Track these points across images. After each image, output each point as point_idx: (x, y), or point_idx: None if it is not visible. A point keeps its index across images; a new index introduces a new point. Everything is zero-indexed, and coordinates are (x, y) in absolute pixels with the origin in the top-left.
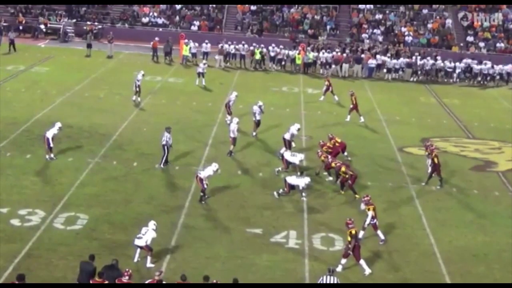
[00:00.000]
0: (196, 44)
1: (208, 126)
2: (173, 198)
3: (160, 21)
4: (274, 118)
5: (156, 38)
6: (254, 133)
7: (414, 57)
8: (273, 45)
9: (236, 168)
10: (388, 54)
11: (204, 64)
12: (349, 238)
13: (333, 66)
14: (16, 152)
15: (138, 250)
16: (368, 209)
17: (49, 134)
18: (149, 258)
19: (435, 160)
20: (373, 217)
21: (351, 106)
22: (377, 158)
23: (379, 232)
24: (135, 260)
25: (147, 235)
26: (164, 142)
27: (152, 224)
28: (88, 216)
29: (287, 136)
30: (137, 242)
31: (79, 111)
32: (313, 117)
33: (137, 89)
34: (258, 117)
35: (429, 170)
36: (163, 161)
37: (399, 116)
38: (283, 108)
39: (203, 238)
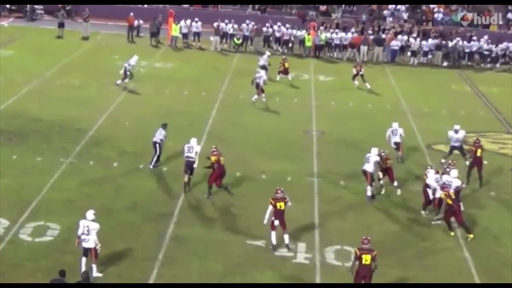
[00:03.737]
0: (188, 23)
1: (202, 119)
2: (161, 205)
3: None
4: (280, 110)
5: (131, 13)
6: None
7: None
8: (279, 23)
9: (235, 169)
10: (414, 35)
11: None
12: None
13: (349, 49)
14: None
15: (84, 259)
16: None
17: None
18: (94, 266)
19: (478, 153)
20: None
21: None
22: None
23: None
24: (82, 271)
25: (92, 232)
26: (158, 140)
27: (91, 214)
28: (60, 226)
29: (369, 168)
30: (86, 244)
31: (50, 102)
32: (325, 108)
33: (126, 74)
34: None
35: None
36: (154, 160)
37: (427, 108)
38: (291, 98)
39: (196, 251)
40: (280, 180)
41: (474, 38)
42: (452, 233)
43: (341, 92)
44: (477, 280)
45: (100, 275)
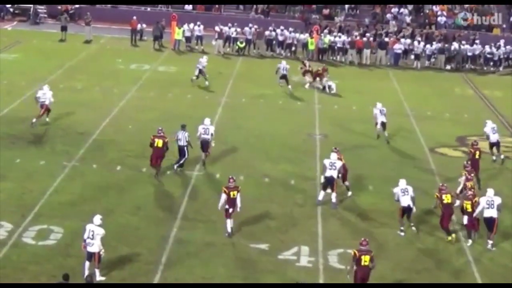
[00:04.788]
0: (191, 27)
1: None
2: (164, 208)
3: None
4: (282, 113)
5: (134, 17)
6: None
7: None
8: (282, 27)
9: (238, 172)
10: (419, 38)
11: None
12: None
13: (349, 51)
14: None
15: (87, 263)
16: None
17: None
18: (97, 270)
19: (476, 155)
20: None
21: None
22: (404, 160)
23: None
24: (85, 275)
25: (96, 237)
26: (185, 143)
27: (98, 219)
28: (63, 229)
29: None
30: (90, 249)
31: (53, 105)
32: (329, 112)
33: (201, 73)
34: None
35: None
36: (180, 163)
37: (430, 111)
38: (294, 101)
39: (199, 254)
40: (283, 183)
41: (477, 41)
42: (450, 238)
43: (344, 95)
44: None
45: (103, 278)
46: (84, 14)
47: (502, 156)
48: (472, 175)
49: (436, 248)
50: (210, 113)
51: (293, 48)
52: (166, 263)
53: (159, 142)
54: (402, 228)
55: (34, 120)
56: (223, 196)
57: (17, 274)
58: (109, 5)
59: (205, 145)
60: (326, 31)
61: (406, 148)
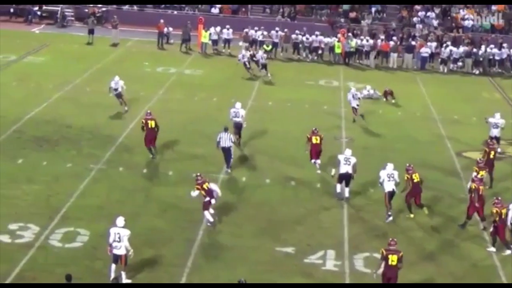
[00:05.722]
0: (218, 30)
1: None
2: (190, 212)
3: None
4: (309, 116)
5: (161, 20)
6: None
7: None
8: (304, 28)
9: (264, 176)
10: (446, 42)
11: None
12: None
13: (371, 54)
14: (5, 156)
15: (113, 266)
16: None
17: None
18: (123, 273)
19: (491, 154)
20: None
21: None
22: (431, 164)
23: None
24: (112, 278)
25: (123, 238)
26: (230, 145)
27: (121, 220)
28: (89, 232)
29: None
30: (117, 251)
31: (79, 108)
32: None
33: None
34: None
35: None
36: (229, 165)
37: (457, 115)
38: (320, 105)
39: (224, 258)
40: (309, 187)
41: (505, 45)
42: (412, 215)
43: (370, 99)
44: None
45: (129, 281)
46: (111, 17)
47: (499, 150)
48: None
49: (468, 254)
50: None
51: (320, 52)
52: (192, 267)
53: (152, 123)
54: (389, 213)
55: (125, 108)
56: (196, 192)
57: (43, 276)
58: (136, 8)
59: (236, 127)
60: (350, 34)
61: (432, 152)
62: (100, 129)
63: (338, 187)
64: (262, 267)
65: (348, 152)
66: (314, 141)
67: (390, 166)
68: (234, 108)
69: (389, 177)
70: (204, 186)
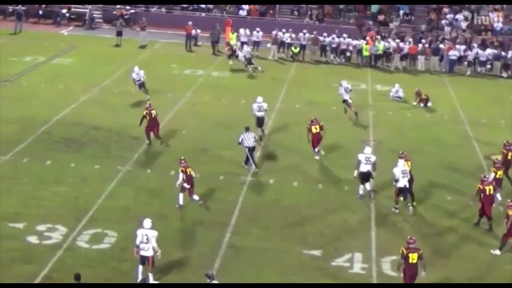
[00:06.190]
0: (247, 32)
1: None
2: (217, 213)
3: (202, 5)
4: (336, 119)
5: (189, 22)
6: None
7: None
8: (336, 31)
9: (292, 178)
10: (474, 44)
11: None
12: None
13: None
14: (34, 157)
15: (141, 267)
16: None
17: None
18: (151, 275)
19: (509, 156)
20: None
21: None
22: (458, 167)
23: None
24: (139, 279)
25: (151, 239)
26: (254, 144)
27: (148, 222)
28: (117, 234)
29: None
30: (145, 253)
31: (107, 110)
32: (383, 118)
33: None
34: None
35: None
36: (250, 163)
37: (485, 118)
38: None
39: (252, 260)
40: (337, 189)
41: None
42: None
43: (398, 101)
44: None
45: (156, 282)
46: (140, 19)
47: None
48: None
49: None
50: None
51: (348, 54)
52: (219, 269)
53: (153, 113)
54: (396, 206)
55: (148, 96)
56: (181, 175)
57: (71, 277)
58: (164, 10)
59: (260, 121)
60: (378, 37)
61: (461, 155)
62: (127, 130)
63: (361, 189)
64: (289, 270)
65: (368, 150)
66: (314, 130)
67: (401, 163)
68: (256, 103)
69: (403, 174)
70: (187, 170)
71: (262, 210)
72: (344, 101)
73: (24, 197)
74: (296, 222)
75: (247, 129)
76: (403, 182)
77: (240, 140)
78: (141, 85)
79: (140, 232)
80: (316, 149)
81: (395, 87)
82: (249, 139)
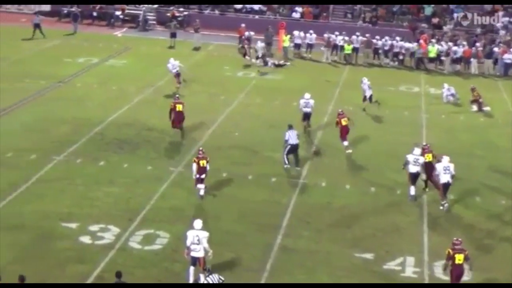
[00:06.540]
0: (302, 34)
1: (312, 130)
2: (269, 216)
3: (256, 7)
4: (389, 122)
5: (242, 25)
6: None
7: None
8: (394, 34)
9: (344, 181)
10: None
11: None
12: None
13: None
14: (87, 158)
15: (192, 268)
16: None
17: None
18: (202, 276)
19: None
20: None
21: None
22: (511, 171)
23: None
24: (190, 280)
25: (202, 240)
26: (298, 142)
27: (199, 223)
28: (169, 235)
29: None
30: (196, 254)
31: (160, 111)
32: (436, 121)
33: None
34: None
35: None
36: (295, 160)
37: None
38: (401, 110)
39: (303, 262)
40: (389, 193)
41: None
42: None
43: (451, 105)
44: None
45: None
46: (193, 21)
47: None
48: None
49: None
50: (316, 121)
51: (401, 57)
52: (270, 271)
53: (179, 106)
54: (443, 202)
55: (178, 85)
56: (194, 166)
57: (124, 278)
58: (217, 12)
59: (306, 115)
60: (433, 40)
61: None
62: (180, 132)
63: (412, 190)
64: (341, 272)
65: (417, 151)
66: (343, 123)
67: (446, 159)
68: (304, 99)
69: (445, 170)
70: (201, 162)
71: (314, 213)
72: (366, 97)
73: (77, 197)
74: (347, 224)
75: (290, 127)
76: (445, 178)
77: (286, 138)
78: (178, 75)
79: (190, 233)
80: (346, 143)
81: (445, 87)
82: (293, 137)
